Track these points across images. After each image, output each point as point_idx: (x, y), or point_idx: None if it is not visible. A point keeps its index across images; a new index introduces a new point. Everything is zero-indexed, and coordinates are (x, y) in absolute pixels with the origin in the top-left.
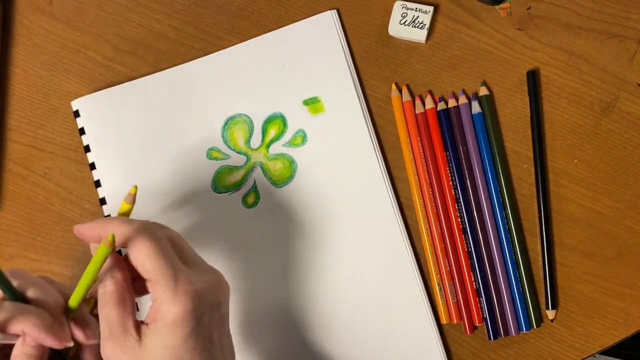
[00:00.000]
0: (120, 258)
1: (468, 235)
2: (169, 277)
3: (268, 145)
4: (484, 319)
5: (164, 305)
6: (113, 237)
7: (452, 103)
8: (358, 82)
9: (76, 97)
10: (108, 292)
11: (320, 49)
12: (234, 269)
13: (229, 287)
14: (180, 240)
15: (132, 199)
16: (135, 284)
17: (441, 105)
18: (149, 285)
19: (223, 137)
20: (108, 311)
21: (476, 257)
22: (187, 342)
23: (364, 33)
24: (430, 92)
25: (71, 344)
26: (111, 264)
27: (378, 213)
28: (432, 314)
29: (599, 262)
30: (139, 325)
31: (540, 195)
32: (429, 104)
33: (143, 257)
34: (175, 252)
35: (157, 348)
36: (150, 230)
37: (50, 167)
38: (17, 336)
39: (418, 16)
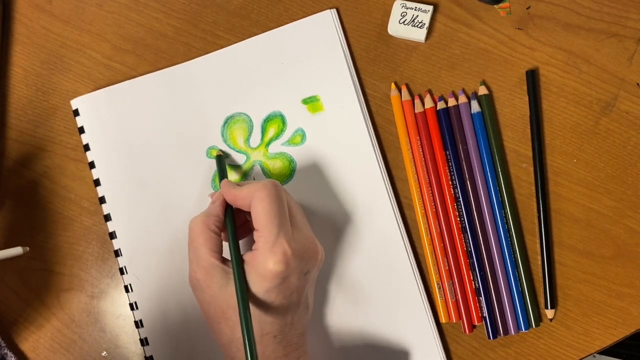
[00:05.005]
0: None
1: (467, 235)
2: (273, 234)
3: (267, 144)
4: (483, 318)
5: (260, 256)
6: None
7: (451, 102)
8: (357, 81)
9: (76, 96)
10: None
11: (319, 48)
12: None
13: (323, 259)
14: (294, 207)
15: None
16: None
17: (440, 105)
18: (255, 233)
19: (222, 135)
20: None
21: (475, 256)
22: (268, 293)
23: (363, 32)
24: (430, 92)
25: None
26: None
27: (377, 212)
28: (431, 313)
29: (598, 262)
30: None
31: (540, 195)
32: (429, 103)
33: (259, 208)
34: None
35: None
36: (275, 189)
37: (49, 165)
38: None
39: (417, 15)
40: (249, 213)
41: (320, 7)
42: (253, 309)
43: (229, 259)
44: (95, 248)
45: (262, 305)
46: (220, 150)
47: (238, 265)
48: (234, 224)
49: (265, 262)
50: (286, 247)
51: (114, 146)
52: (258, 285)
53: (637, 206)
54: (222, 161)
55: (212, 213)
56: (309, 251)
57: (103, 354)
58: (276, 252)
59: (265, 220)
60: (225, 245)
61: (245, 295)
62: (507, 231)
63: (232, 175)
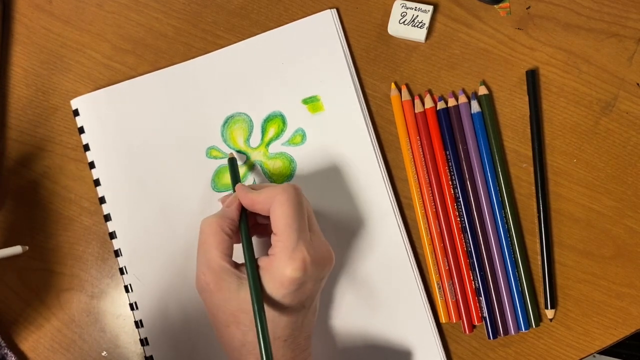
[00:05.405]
0: None
1: (467, 235)
2: (292, 240)
3: (267, 144)
4: (483, 318)
5: (277, 261)
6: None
7: (451, 102)
8: (357, 81)
9: (76, 96)
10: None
11: (319, 48)
12: None
13: (334, 264)
14: (311, 212)
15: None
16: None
17: (441, 105)
18: (273, 237)
19: (222, 135)
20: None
21: (475, 256)
22: (284, 299)
23: (363, 32)
24: (430, 92)
25: None
26: None
27: (377, 212)
28: (431, 313)
29: (598, 262)
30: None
31: (540, 195)
32: (429, 103)
33: (279, 212)
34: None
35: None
36: (296, 193)
37: (49, 165)
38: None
39: (417, 15)
40: (260, 216)
41: (320, 7)
42: (267, 313)
43: (240, 262)
44: (95, 248)
45: (277, 310)
46: (232, 152)
47: (253, 270)
48: (248, 228)
49: (283, 269)
50: (305, 254)
51: (114, 146)
52: (274, 291)
53: (637, 206)
54: (235, 164)
55: (227, 216)
56: (325, 257)
57: (103, 354)
58: (295, 259)
59: (285, 225)
60: (237, 247)
61: (260, 300)
62: (507, 231)
63: None
